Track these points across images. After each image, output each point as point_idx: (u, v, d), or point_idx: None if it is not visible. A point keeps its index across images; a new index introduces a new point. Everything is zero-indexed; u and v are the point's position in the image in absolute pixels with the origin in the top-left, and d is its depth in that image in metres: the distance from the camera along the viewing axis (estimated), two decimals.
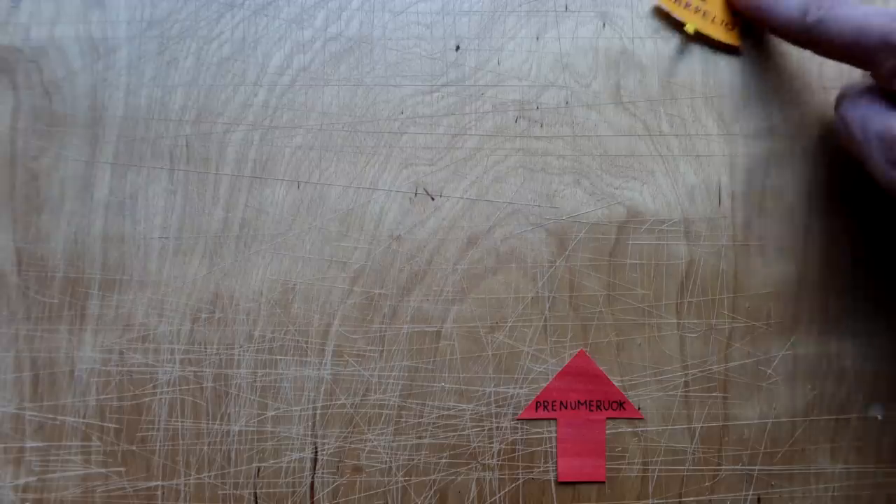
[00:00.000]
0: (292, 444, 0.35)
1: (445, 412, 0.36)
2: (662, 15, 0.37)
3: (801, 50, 0.36)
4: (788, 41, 0.34)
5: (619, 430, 0.36)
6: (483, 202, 0.36)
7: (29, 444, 0.35)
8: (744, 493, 0.35)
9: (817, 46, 0.32)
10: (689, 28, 0.36)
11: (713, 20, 0.36)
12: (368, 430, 0.36)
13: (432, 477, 0.35)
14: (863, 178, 0.36)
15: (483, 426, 0.36)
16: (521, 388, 0.36)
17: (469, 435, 0.36)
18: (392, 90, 0.36)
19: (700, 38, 0.36)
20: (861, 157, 0.31)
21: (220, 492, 0.35)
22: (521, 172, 0.36)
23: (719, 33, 0.36)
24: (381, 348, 0.36)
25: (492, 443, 0.36)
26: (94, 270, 0.36)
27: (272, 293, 0.36)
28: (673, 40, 0.37)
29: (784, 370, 0.36)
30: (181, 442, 0.35)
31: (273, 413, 0.36)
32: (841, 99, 0.32)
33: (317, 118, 0.36)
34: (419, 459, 0.35)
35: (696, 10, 0.36)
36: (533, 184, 0.36)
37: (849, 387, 0.36)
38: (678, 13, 0.36)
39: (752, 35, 0.37)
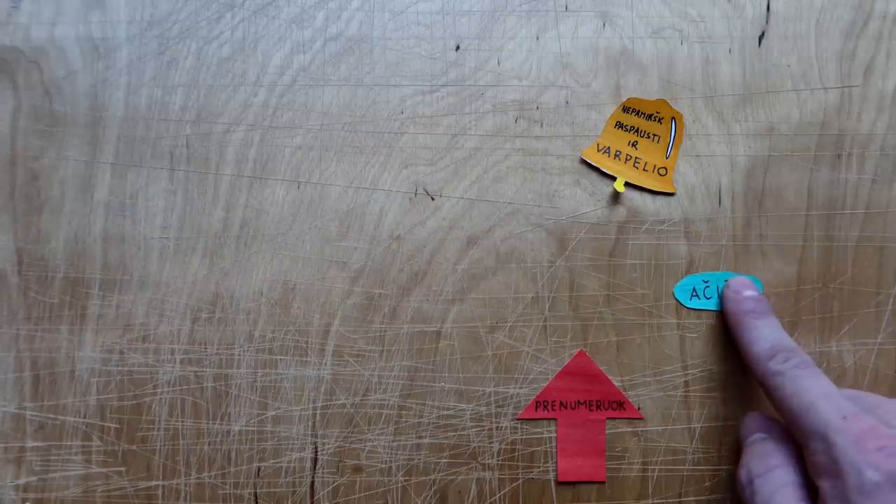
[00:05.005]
0: (292, 444, 0.35)
1: (445, 412, 0.36)
2: (590, 165, 0.36)
3: (801, 49, 0.36)
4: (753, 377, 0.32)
5: (619, 430, 0.36)
6: (483, 202, 0.36)
7: (29, 443, 0.35)
8: None
9: (768, 395, 0.30)
10: (619, 185, 0.35)
11: (644, 168, 0.35)
12: (368, 430, 0.36)
13: (432, 477, 0.35)
14: (862, 178, 0.36)
15: (483, 426, 0.36)
16: (521, 388, 0.36)
17: (469, 435, 0.36)
18: (392, 90, 0.36)
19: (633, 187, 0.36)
20: None
21: (220, 491, 0.35)
22: (521, 172, 0.36)
23: (652, 182, 0.35)
24: (381, 348, 0.36)
25: (492, 443, 0.36)
26: (94, 270, 0.36)
27: (272, 293, 0.36)
28: (674, 40, 0.37)
29: None
30: (181, 442, 0.35)
31: (273, 413, 0.36)
32: (753, 469, 0.30)
33: (317, 118, 0.36)
34: (419, 459, 0.35)
35: (627, 160, 0.35)
36: (533, 184, 0.36)
37: (848, 387, 0.36)
38: (606, 166, 0.36)
39: (749, 39, 0.37)
